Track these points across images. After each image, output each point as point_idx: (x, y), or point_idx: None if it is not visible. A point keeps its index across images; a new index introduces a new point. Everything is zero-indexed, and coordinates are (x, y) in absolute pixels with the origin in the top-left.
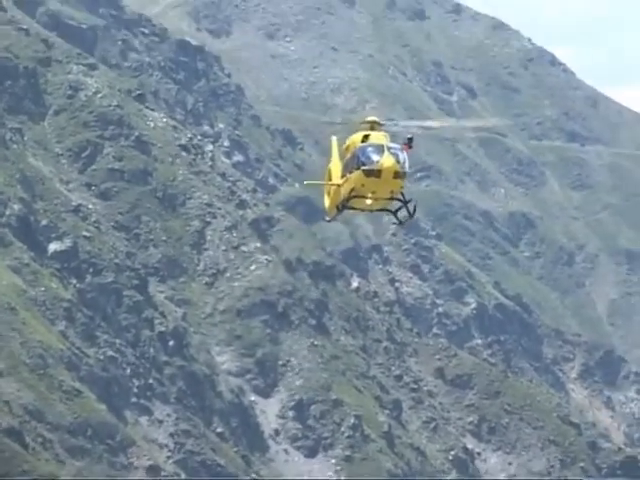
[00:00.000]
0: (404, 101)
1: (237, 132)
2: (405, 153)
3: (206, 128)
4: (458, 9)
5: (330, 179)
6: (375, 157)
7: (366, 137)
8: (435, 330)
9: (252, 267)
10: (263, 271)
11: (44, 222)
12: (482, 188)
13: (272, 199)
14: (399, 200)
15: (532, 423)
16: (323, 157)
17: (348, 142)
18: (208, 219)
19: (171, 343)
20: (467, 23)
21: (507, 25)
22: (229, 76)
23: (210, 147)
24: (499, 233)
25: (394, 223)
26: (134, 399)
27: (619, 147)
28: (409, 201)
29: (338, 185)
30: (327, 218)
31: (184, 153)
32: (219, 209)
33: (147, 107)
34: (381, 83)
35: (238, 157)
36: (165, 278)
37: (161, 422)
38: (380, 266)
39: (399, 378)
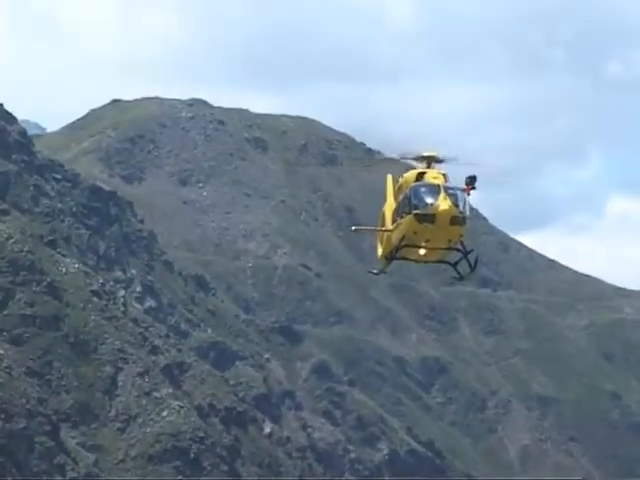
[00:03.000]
0: (316, 246)
1: (149, 277)
2: (466, 195)
3: (118, 274)
4: (370, 154)
5: (383, 224)
6: (429, 199)
7: (421, 175)
8: (347, 476)
9: (164, 413)
10: (175, 417)
11: None
12: (394, 333)
13: (184, 345)
14: (458, 250)
15: None
16: (236, 303)
17: (401, 181)
18: (120, 365)
19: None
20: (379, 168)
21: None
22: (142, 222)
23: (122, 293)
24: (411, 378)
25: (454, 277)
26: None
27: (531, 292)
28: (470, 251)
29: (388, 230)
30: (374, 270)
31: (96, 299)
32: (131, 355)
33: (59, 253)
34: (293, 229)
35: (150, 302)
36: (77, 424)
37: None
38: (292, 411)
39: None
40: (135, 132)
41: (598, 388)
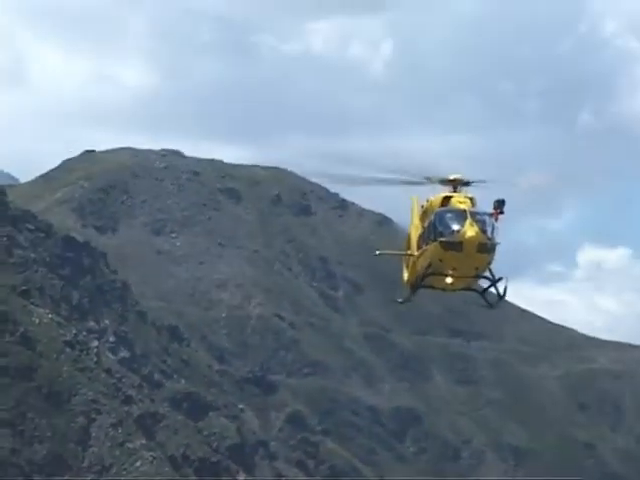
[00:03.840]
0: (290, 296)
1: (123, 328)
2: (494, 220)
3: (91, 324)
4: (344, 205)
5: (409, 247)
6: (455, 225)
7: (447, 199)
8: None
9: (137, 463)
10: (148, 467)
11: None
12: (368, 383)
13: (158, 395)
14: (486, 278)
15: None
16: (209, 353)
17: (426, 205)
18: (93, 415)
19: None
20: (353, 219)
21: (392, 220)
22: (115, 272)
23: (95, 343)
24: (385, 428)
25: (482, 305)
26: None
27: (503, 342)
28: (499, 279)
29: (413, 255)
30: (399, 299)
31: (69, 349)
32: (104, 405)
33: (32, 303)
34: (267, 279)
35: (124, 353)
36: (50, 475)
37: None
38: (266, 461)
39: None
40: (108, 182)
41: (572, 438)
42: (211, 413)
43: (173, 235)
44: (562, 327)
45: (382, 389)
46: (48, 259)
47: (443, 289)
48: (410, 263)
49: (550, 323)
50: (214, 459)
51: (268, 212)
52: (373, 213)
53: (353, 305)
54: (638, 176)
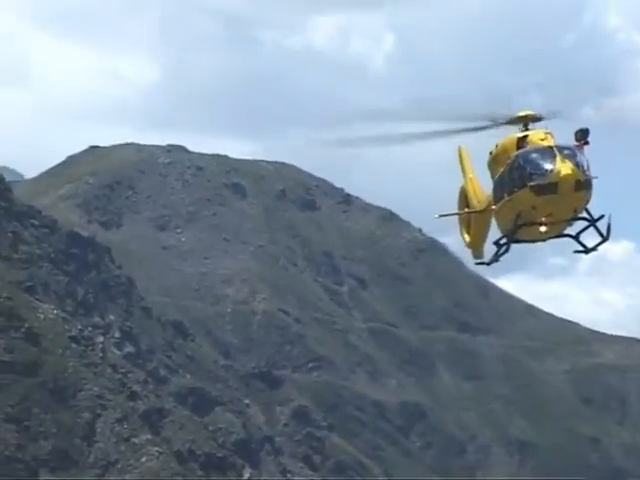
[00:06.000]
0: (295, 292)
1: (128, 323)
2: (583, 153)
3: (97, 319)
4: (348, 200)
5: (466, 205)
6: (545, 165)
7: (522, 140)
8: None
9: (143, 459)
10: (154, 463)
11: None
12: (373, 378)
13: (163, 390)
14: (584, 219)
15: None
16: (215, 348)
17: (497, 150)
18: (99, 411)
19: None
20: (357, 214)
21: (397, 216)
22: (120, 267)
23: (101, 338)
24: (391, 423)
25: (578, 251)
26: None
27: (510, 337)
28: (600, 218)
29: (481, 211)
30: (476, 260)
31: (74, 345)
32: (110, 400)
33: (37, 299)
34: (272, 274)
35: (129, 348)
36: (55, 470)
37: None
38: (272, 457)
39: None
40: (113, 178)
41: (577, 433)
42: (217, 408)
43: (178, 230)
44: (567, 322)
45: (388, 384)
46: (53, 255)
47: (533, 241)
48: (474, 221)
49: (556, 318)
50: (220, 454)
51: (273, 207)
52: (378, 208)
53: (358, 300)
54: None
